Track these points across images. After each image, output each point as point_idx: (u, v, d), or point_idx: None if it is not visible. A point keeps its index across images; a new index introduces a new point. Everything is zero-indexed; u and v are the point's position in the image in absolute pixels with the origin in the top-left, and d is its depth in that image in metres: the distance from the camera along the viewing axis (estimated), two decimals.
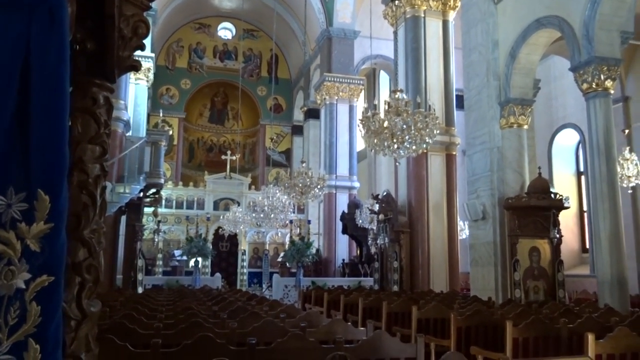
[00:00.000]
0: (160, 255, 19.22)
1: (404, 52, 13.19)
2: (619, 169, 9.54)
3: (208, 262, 20.04)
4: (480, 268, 9.44)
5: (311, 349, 3.01)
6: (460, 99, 12.42)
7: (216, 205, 21.82)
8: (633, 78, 13.69)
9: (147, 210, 14.38)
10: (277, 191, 14.70)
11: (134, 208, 12.52)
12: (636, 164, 11.00)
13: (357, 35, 19.82)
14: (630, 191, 11.56)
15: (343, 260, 18.73)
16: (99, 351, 1.43)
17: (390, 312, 6.32)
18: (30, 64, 1.17)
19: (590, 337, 3.18)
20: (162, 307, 5.78)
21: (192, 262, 16.92)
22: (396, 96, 8.55)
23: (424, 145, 8.65)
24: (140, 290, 11.76)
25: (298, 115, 26.17)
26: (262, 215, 14.82)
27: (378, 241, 12.84)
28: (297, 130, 26.29)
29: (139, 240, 12.88)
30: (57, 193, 1.17)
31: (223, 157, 23.03)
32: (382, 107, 8.83)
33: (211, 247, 18.96)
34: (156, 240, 18.26)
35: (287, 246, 18.60)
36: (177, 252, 19.38)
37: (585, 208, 14.72)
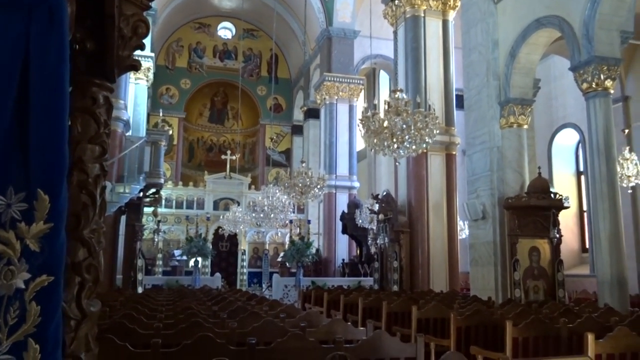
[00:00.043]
0: (160, 255, 19.22)
1: (404, 52, 13.19)
2: (618, 169, 9.55)
3: (208, 262, 20.04)
4: (480, 268, 9.44)
5: (311, 348, 3.01)
6: (460, 99, 12.42)
7: (216, 205, 21.82)
8: (633, 78, 13.69)
9: (147, 210, 14.38)
10: (277, 191, 14.70)
11: (133, 208, 12.52)
12: (636, 164, 11.01)
13: (357, 35, 19.82)
14: (630, 191, 11.56)
15: (343, 260, 18.74)
16: (98, 351, 1.43)
17: (390, 312, 6.32)
18: (30, 63, 1.17)
19: (590, 337, 3.18)
20: (162, 307, 5.78)
21: (192, 262, 16.92)
22: (396, 96, 8.55)
23: (424, 145, 8.65)
24: (140, 290, 11.75)
25: (298, 115, 26.17)
26: (262, 215, 14.82)
27: (378, 241, 12.84)
28: (297, 130, 26.29)
29: (138, 240, 12.88)
30: (57, 193, 1.17)
31: (223, 156, 23.03)
32: (382, 107, 8.83)
33: (211, 247, 18.96)
34: (156, 240, 18.26)
35: (287, 246, 18.60)
36: (177, 252, 19.38)
37: (585, 208, 14.72)
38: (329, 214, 19.10)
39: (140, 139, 12.08)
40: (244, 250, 21.41)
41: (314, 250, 17.52)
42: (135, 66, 1.54)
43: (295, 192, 13.04)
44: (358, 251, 18.65)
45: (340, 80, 19.69)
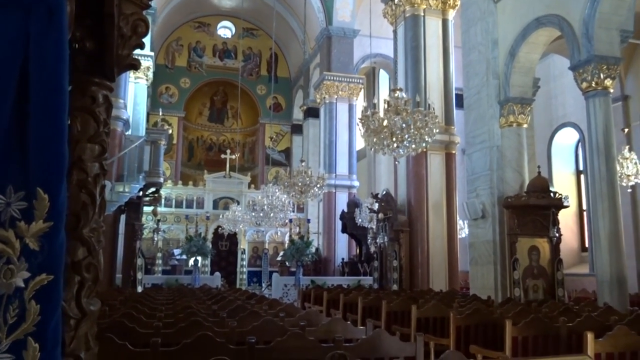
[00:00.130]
0: (159, 255, 19.23)
1: (404, 51, 13.19)
2: (618, 168, 9.55)
3: (207, 261, 20.06)
4: (480, 267, 9.44)
5: (310, 347, 3.01)
6: (459, 98, 12.42)
7: (216, 204, 21.81)
8: (633, 77, 13.69)
9: (147, 209, 14.39)
10: (277, 190, 14.70)
11: (133, 207, 12.53)
12: (635, 163, 11.01)
13: (357, 34, 19.82)
14: (629, 190, 11.57)
15: (342, 259, 18.74)
16: (98, 350, 1.43)
17: (389, 311, 6.33)
18: (30, 63, 1.17)
19: (590, 336, 3.19)
20: (161, 306, 5.78)
21: (191, 261, 16.92)
22: (396, 95, 8.55)
23: (424, 144, 8.65)
24: (139, 289, 11.76)
25: (297, 114, 26.17)
26: (261, 214, 14.83)
27: (377, 240, 12.85)
28: (297, 129, 26.29)
29: (138, 239, 12.89)
30: (56, 192, 1.17)
31: (222, 156, 23.03)
32: (382, 106, 8.83)
33: (210, 246, 18.98)
34: (156, 239, 18.26)
35: (286, 245, 18.61)
36: (176, 251, 19.39)
37: (584, 207, 14.72)
38: (328, 213, 19.10)
39: (140, 138, 12.08)
40: (244, 250, 21.41)
41: (313, 250, 17.53)
42: (135, 65, 1.53)
43: (295, 191, 13.04)
44: (358, 250, 18.66)
45: (340, 79, 19.68)
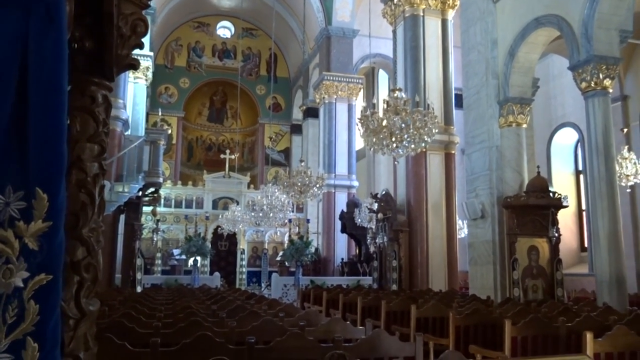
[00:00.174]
0: (159, 255, 19.22)
1: (403, 51, 13.19)
2: (617, 168, 9.56)
3: (207, 261, 20.06)
4: (479, 267, 9.45)
5: (310, 347, 3.01)
6: (459, 98, 12.42)
7: (215, 205, 21.81)
8: (632, 77, 13.70)
9: (146, 209, 14.37)
10: (276, 190, 14.70)
11: (132, 207, 12.52)
12: (635, 163, 11.02)
13: (356, 34, 19.82)
14: (628, 190, 11.57)
15: (342, 259, 18.74)
16: (97, 350, 1.43)
17: (389, 311, 6.33)
18: (29, 62, 1.17)
19: (589, 336, 3.19)
20: (161, 306, 5.78)
21: (191, 261, 16.92)
22: (395, 95, 8.55)
23: (423, 144, 8.66)
24: (139, 289, 11.75)
25: (297, 114, 26.17)
26: (261, 214, 14.83)
27: (377, 240, 12.85)
28: (296, 129, 26.29)
29: (137, 239, 12.88)
30: (56, 191, 1.17)
31: (222, 156, 23.03)
32: (381, 106, 8.83)
33: (210, 246, 18.98)
34: (155, 239, 18.25)
35: (286, 245, 18.62)
36: (176, 251, 19.38)
37: (584, 207, 14.73)
38: (328, 213, 19.10)
39: (139, 138, 12.07)
40: (243, 250, 21.41)
41: (313, 250, 17.53)
42: (134, 65, 1.54)
43: (294, 191, 13.05)
44: (357, 250, 18.66)
45: (339, 79, 19.68)
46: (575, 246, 15.00)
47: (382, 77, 22.98)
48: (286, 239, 20.32)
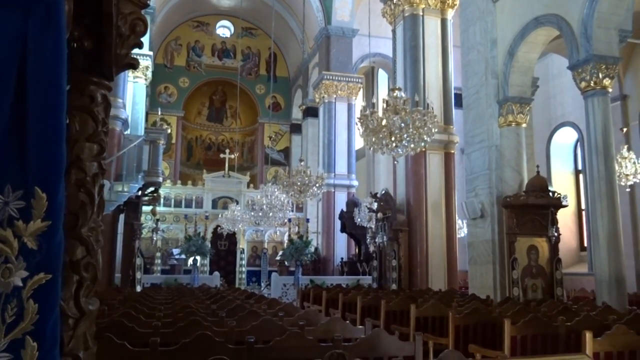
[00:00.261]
0: (158, 254, 19.22)
1: (403, 51, 13.19)
2: (617, 168, 9.56)
3: (207, 261, 20.06)
4: (479, 266, 9.45)
5: (309, 347, 3.01)
6: (458, 98, 12.43)
7: (215, 204, 21.81)
8: (631, 76, 13.71)
9: (146, 208, 14.36)
10: (276, 190, 14.70)
11: (132, 206, 12.51)
12: (634, 163, 11.02)
13: (356, 34, 19.81)
14: (628, 189, 11.57)
15: (342, 258, 18.75)
16: (97, 349, 1.43)
17: (388, 311, 6.33)
18: (28, 62, 1.17)
19: (588, 335, 3.19)
20: (160, 305, 5.78)
21: (190, 261, 16.92)
22: (394, 94, 8.55)
23: (422, 144, 8.66)
24: (138, 288, 11.75)
25: (297, 114, 26.16)
26: (260, 214, 14.83)
27: (377, 240, 12.85)
28: (296, 128, 26.29)
29: (137, 239, 12.87)
30: (55, 191, 1.17)
31: (221, 155, 23.03)
32: (381, 106, 8.83)
33: (210, 245, 18.97)
34: (155, 238, 18.23)
35: (285, 245, 18.61)
36: (175, 251, 19.38)
37: (583, 206, 14.74)
38: (327, 212, 19.10)
39: (139, 138, 12.07)
40: (243, 249, 21.41)
41: (312, 249, 17.53)
42: (133, 64, 1.54)
43: (294, 190, 13.04)
44: (357, 250, 18.67)
45: (339, 78, 19.68)
46: (574, 246, 15.00)
47: (382, 77, 22.98)
48: (286, 238, 20.32)
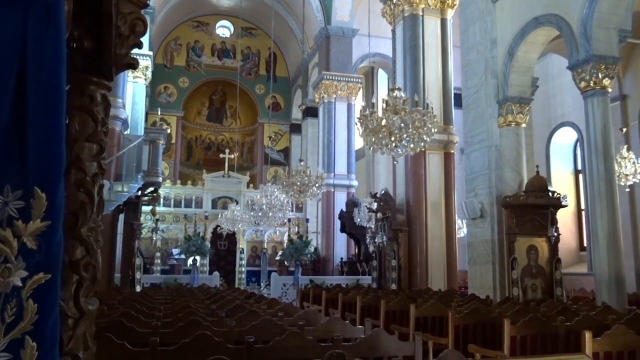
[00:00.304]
0: (158, 254, 19.22)
1: (402, 51, 13.19)
2: (616, 168, 9.56)
3: (206, 261, 20.05)
4: (478, 266, 9.45)
5: (309, 347, 3.01)
6: (458, 98, 12.43)
7: (214, 204, 21.81)
8: (631, 76, 13.71)
9: (145, 208, 14.37)
10: (276, 190, 14.70)
11: (132, 206, 12.51)
12: (634, 163, 11.02)
13: (356, 34, 19.81)
14: (627, 189, 11.57)
15: (341, 258, 18.75)
16: (96, 349, 1.43)
17: (388, 311, 6.33)
18: (27, 62, 1.17)
19: (588, 335, 3.19)
20: (160, 305, 5.78)
21: (190, 261, 16.92)
22: (394, 94, 8.55)
23: (422, 144, 8.66)
24: (138, 288, 11.75)
25: (296, 114, 26.16)
26: (260, 214, 14.84)
27: (376, 239, 12.85)
28: (296, 128, 26.29)
29: (137, 239, 12.87)
30: (54, 191, 1.17)
31: (221, 155, 23.03)
32: (380, 106, 8.83)
33: (209, 245, 18.97)
34: (154, 238, 18.23)
35: (285, 245, 18.62)
36: (175, 251, 19.38)
37: (583, 206, 14.74)
38: (327, 212, 19.10)
39: (139, 138, 12.07)
40: (243, 249, 21.41)
41: (312, 249, 17.54)
42: (133, 64, 1.53)
43: (294, 190, 13.04)
44: (356, 250, 18.67)
45: (339, 78, 19.68)
46: (574, 245, 15.01)
47: (382, 77, 22.97)
48: (285, 238, 20.32)
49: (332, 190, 18.96)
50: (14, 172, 1.14)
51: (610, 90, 7.92)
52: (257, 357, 2.90)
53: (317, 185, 13.15)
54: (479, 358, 4.40)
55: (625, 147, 11.39)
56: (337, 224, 18.48)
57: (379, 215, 12.49)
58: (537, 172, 9.29)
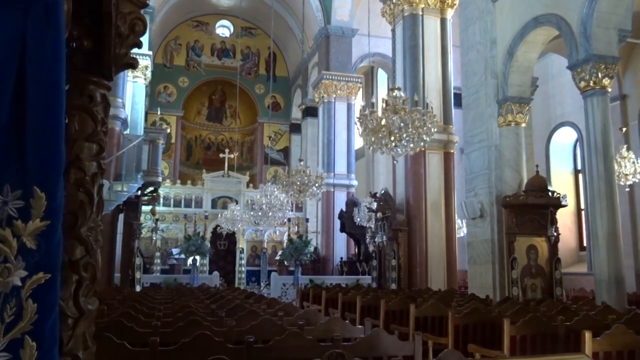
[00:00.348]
0: (158, 254, 19.21)
1: (402, 50, 13.19)
2: (616, 167, 9.56)
3: (206, 261, 20.06)
4: (478, 266, 9.46)
5: (309, 346, 3.01)
6: (458, 97, 12.42)
7: (214, 204, 21.80)
8: (630, 76, 13.71)
9: (145, 208, 14.37)
10: (275, 189, 14.70)
11: (131, 206, 12.51)
12: (633, 162, 11.03)
13: (355, 33, 19.80)
14: (627, 189, 11.58)
15: (341, 258, 18.75)
16: (96, 349, 1.43)
17: (388, 310, 6.33)
18: (27, 61, 1.17)
19: (587, 335, 3.19)
20: (160, 305, 5.78)
21: (190, 261, 16.92)
22: (394, 94, 8.55)
23: (422, 144, 8.66)
24: (138, 288, 11.75)
25: (296, 114, 26.16)
26: (260, 214, 14.84)
27: (376, 239, 12.85)
28: (295, 128, 26.29)
29: (136, 239, 12.87)
30: (54, 190, 1.17)
31: (221, 155, 23.03)
32: (380, 105, 8.83)
33: (209, 245, 18.97)
34: (154, 238, 18.24)
35: (285, 244, 18.62)
36: (175, 251, 19.38)
37: (582, 206, 14.75)
38: (327, 212, 19.11)
39: (138, 138, 12.07)
40: (242, 249, 21.41)
41: (312, 249, 17.54)
42: (133, 64, 1.53)
43: (294, 190, 13.04)
44: (356, 249, 18.67)
45: (339, 78, 19.68)
46: (574, 245, 15.01)
47: (381, 76, 22.97)
48: (285, 238, 20.32)
49: (332, 190, 18.96)
50: (14, 172, 1.14)
51: (610, 90, 7.92)
52: (257, 357, 2.90)
53: (316, 185, 13.15)
54: (479, 358, 4.40)
55: (625, 146, 11.40)
56: (337, 223, 18.48)
57: (379, 215, 12.49)
58: (537, 171, 9.30)
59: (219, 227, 19.35)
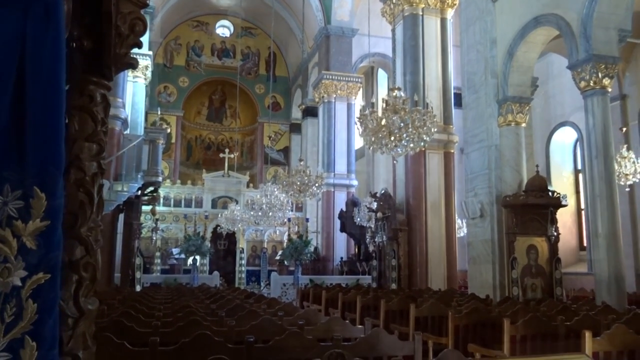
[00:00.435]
0: (158, 254, 19.21)
1: (402, 50, 13.19)
2: (616, 167, 9.56)
3: (206, 261, 20.06)
4: (478, 266, 9.46)
5: (309, 346, 3.01)
6: (458, 97, 12.42)
7: (214, 204, 21.80)
8: (631, 76, 13.71)
9: (145, 208, 14.37)
10: (275, 189, 14.70)
11: (131, 206, 12.51)
12: (633, 162, 11.02)
13: (355, 33, 19.80)
14: (627, 189, 11.58)
15: (341, 258, 18.75)
16: (96, 349, 1.43)
17: (388, 310, 6.33)
18: (26, 61, 1.17)
19: (587, 335, 3.19)
20: (160, 305, 5.78)
21: (190, 261, 16.92)
22: (394, 94, 8.55)
23: (422, 144, 8.65)
24: (138, 288, 11.75)
25: (296, 113, 26.16)
26: (260, 214, 14.84)
27: (376, 239, 12.85)
28: (295, 128, 26.29)
29: (136, 239, 12.87)
30: (54, 191, 1.17)
31: (221, 155, 23.04)
32: (380, 105, 8.83)
33: (209, 245, 18.97)
34: (154, 238, 18.24)
35: (285, 244, 18.62)
36: (175, 251, 19.38)
37: (582, 206, 14.74)
38: (327, 212, 19.11)
39: (138, 137, 12.07)
40: (242, 249, 21.41)
41: (312, 249, 17.53)
42: (133, 64, 1.53)
43: (294, 190, 13.04)
44: (356, 249, 18.67)
45: (339, 78, 19.68)
46: (574, 245, 15.01)
47: (381, 76, 22.97)
48: (285, 238, 20.32)
49: (332, 189, 18.96)
50: (14, 172, 1.14)
51: (610, 89, 7.92)
52: (257, 357, 2.90)
53: (317, 184, 13.15)
54: (479, 358, 4.40)
55: (625, 146, 11.40)
56: (337, 223, 18.48)
57: (379, 214, 12.49)
58: (537, 171, 9.29)
59: (219, 227, 19.35)
